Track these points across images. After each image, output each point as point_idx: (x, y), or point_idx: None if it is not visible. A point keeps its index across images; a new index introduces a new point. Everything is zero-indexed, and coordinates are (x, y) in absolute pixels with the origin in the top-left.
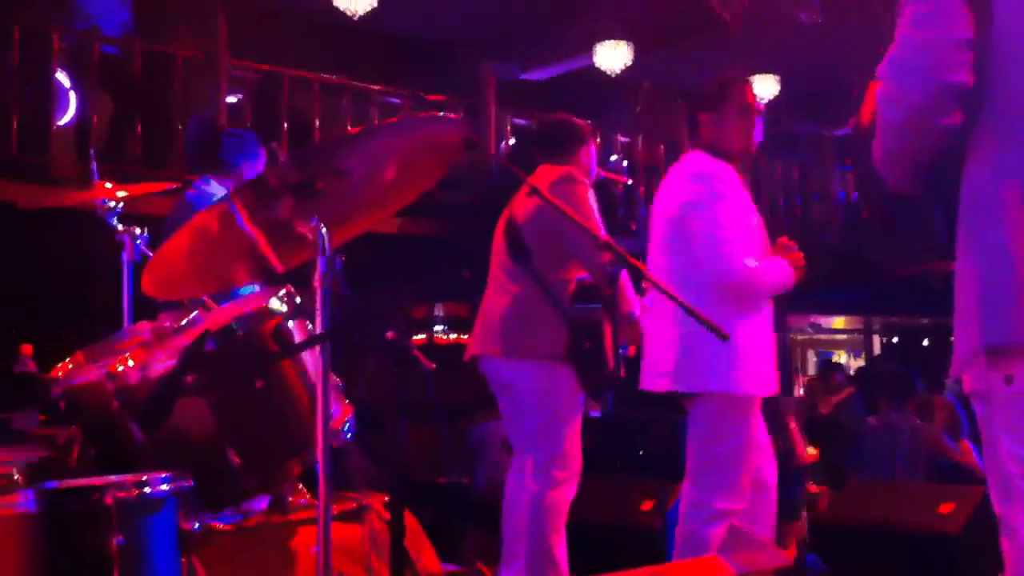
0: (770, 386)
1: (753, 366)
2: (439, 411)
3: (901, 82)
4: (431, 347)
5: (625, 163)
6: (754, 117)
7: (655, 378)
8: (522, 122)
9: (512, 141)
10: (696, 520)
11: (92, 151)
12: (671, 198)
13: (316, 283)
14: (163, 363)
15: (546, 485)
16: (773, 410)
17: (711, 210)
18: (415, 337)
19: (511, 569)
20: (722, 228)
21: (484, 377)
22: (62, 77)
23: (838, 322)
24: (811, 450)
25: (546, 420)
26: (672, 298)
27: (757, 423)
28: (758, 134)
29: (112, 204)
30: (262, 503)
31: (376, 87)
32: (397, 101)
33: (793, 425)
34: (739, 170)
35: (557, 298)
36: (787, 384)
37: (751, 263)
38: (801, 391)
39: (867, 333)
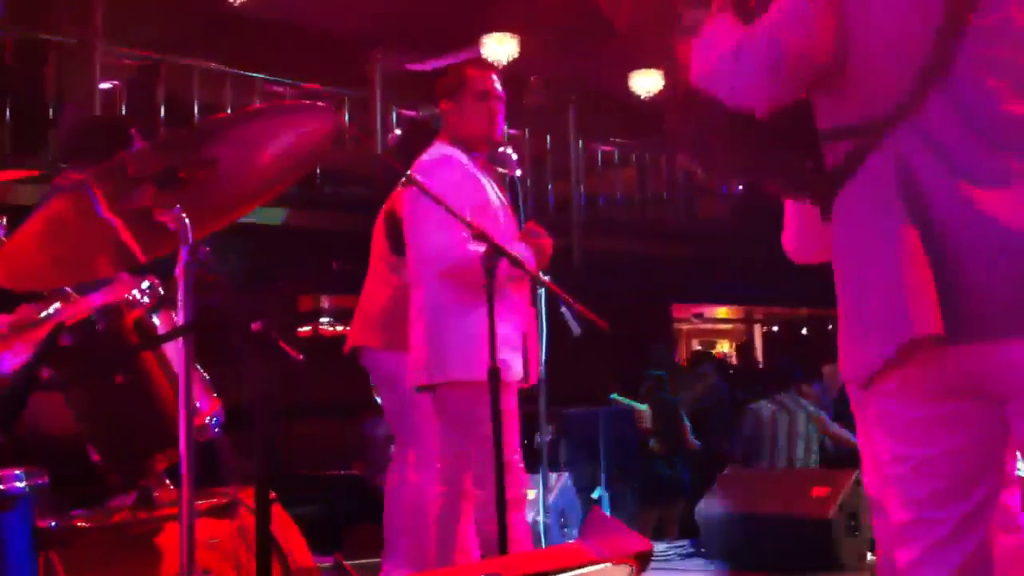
0: (516, 372)
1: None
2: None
3: (747, 78)
4: (316, 339)
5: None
6: (495, 104)
7: (415, 374)
8: (409, 113)
9: (398, 132)
10: (447, 506)
11: None
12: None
13: (178, 273)
14: (18, 357)
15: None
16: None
17: (430, 201)
18: (300, 329)
19: (393, 561)
20: (439, 218)
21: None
22: None
23: (721, 312)
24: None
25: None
26: (550, 288)
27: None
28: (500, 121)
29: None
30: (127, 499)
31: (258, 75)
32: (280, 90)
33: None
34: (486, 157)
35: None
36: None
37: (474, 249)
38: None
39: (749, 323)
